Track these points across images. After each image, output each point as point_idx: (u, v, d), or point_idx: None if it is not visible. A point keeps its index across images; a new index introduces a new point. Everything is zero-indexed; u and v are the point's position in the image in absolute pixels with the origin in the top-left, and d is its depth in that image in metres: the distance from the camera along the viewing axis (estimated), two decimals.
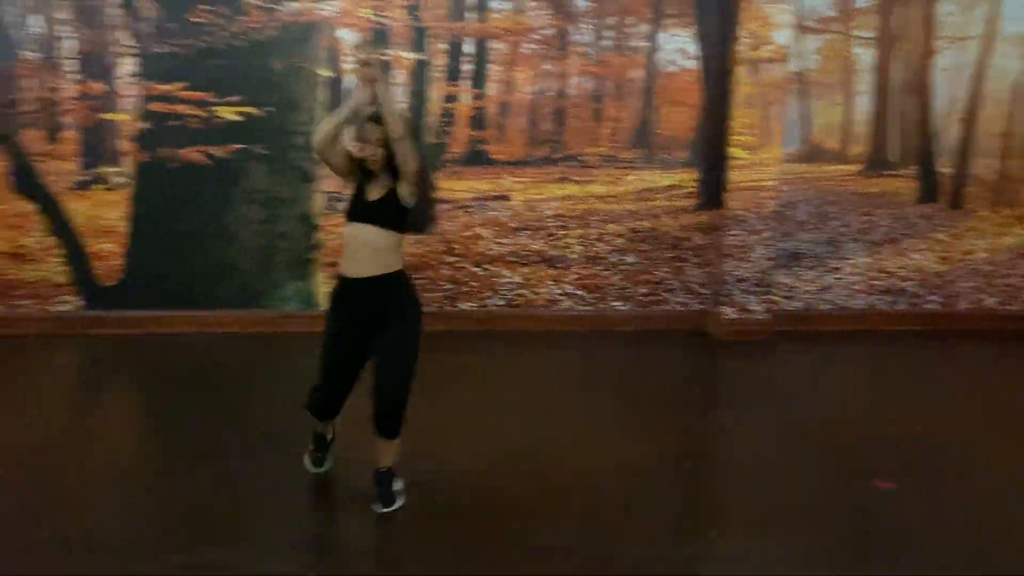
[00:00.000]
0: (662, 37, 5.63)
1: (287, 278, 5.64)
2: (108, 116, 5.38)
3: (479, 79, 5.63)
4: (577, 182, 5.81)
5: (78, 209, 5.42)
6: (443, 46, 5.54)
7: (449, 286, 5.73)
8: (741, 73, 5.50)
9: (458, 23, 5.54)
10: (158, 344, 5.41)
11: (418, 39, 5.51)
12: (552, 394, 4.75)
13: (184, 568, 2.76)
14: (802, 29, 5.76)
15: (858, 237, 6.01)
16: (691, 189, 5.84)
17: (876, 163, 6.02)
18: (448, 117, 5.65)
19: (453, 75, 5.61)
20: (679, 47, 5.64)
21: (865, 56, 5.85)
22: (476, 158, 5.72)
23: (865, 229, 6.01)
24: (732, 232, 5.65)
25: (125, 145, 5.40)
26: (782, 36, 5.44)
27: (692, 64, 5.66)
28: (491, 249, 5.74)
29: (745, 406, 4.71)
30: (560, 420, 4.31)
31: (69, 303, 5.49)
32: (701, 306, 5.93)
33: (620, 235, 5.84)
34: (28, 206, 5.39)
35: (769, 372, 5.25)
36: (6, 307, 5.44)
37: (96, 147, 5.43)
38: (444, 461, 3.71)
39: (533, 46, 5.60)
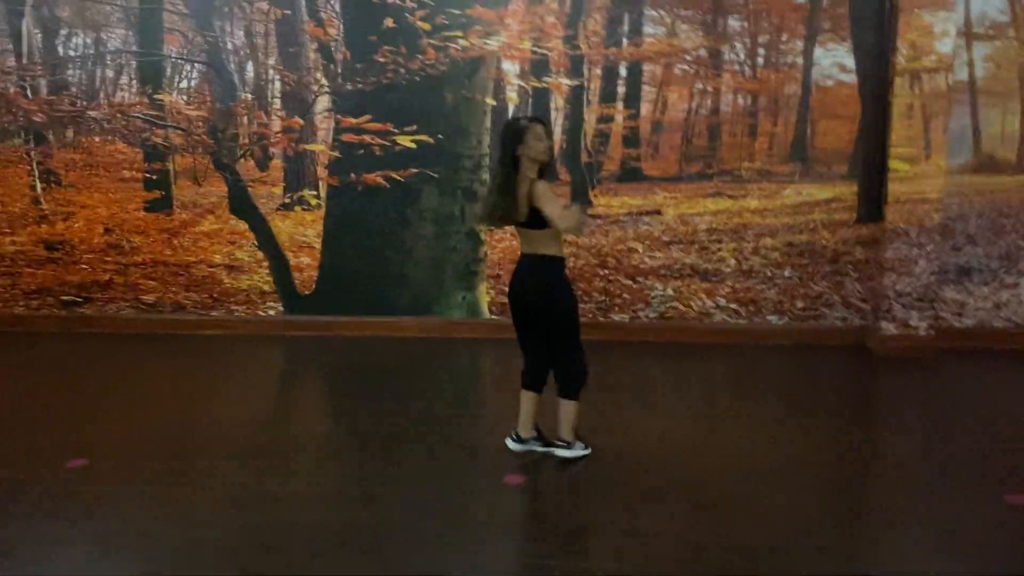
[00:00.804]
0: (818, 52, 5.65)
1: (455, 288, 6.18)
2: (307, 147, 6.19)
3: (633, 100, 5.91)
4: (731, 196, 5.92)
5: (282, 227, 6.25)
6: (598, 71, 5.88)
7: (602, 298, 6.02)
8: (900, 85, 5.40)
9: (613, 49, 5.85)
10: (346, 344, 6.11)
11: (575, 66, 5.89)
12: (704, 401, 4.90)
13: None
14: (970, 36, 5.55)
15: None
16: (850, 202, 5.78)
17: None
18: (603, 137, 5.98)
19: (608, 97, 5.92)
20: (835, 61, 5.63)
21: None
22: (630, 175, 5.99)
23: None
24: (893, 246, 5.52)
25: (320, 171, 6.19)
26: (944, 45, 5.29)
27: (849, 78, 5.63)
28: (644, 262, 5.97)
29: (898, 420, 4.64)
30: (711, 425, 4.43)
31: (273, 309, 6.36)
32: (862, 321, 5.83)
33: (776, 249, 5.88)
34: (242, 225, 6.31)
35: (926, 389, 5.09)
36: (224, 311, 6.40)
37: (297, 174, 6.25)
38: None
39: (685, 66, 5.81)
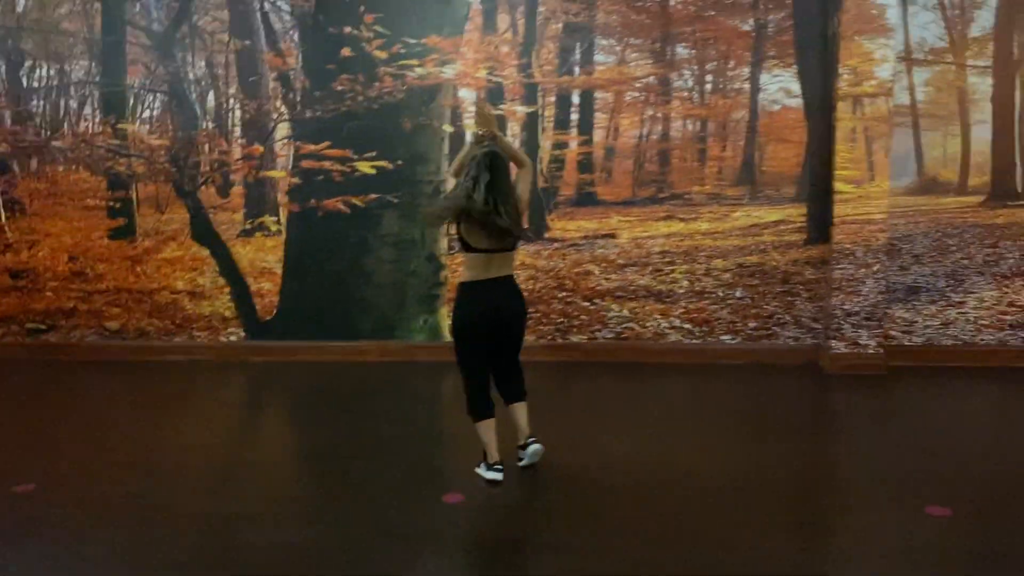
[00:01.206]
0: (764, 78, 5.80)
1: (417, 312, 6.26)
2: (267, 173, 6.28)
3: (586, 126, 6.04)
4: (683, 219, 6.04)
5: (243, 253, 6.33)
6: (552, 99, 6.01)
7: (561, 320, 6.12)
8: (843, 109, 5.55)
9: (565, 77, 5.99)
10: (308, 369, 6.16)
11: (529, 94, 6.02)
12: (660, 419, 4.96)
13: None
14: (910, 62, 5.71)
15: (983, 270, 5.79)
16: (799, 224, 5.90)
17: (1000, 194, 5.79)
18: (558, 163, 6.10)
19: (562, 124, 6.06)
20: (781, 86, 5.78)
21: (982, 84, 5.69)
22: (585, 199, 6.10)
23: (991, 262, 5.79)
24: (840, 266, 5.64)
25: (281, 198, 6.28)
26: (884, 70, 5.44)
27: (795, 102, 5.78)
28: (600, 284, 6.07)
29: (844, 437, 4.74)
30: (665, 444, 4.51)
31: (235, 335, 6.41)
32: (814, 340, 5.94)
33: (727, 270, 5.99)
34: (204, 251, 6.38)
35: (874, 406, 5.19)
36: (187, 336, 6.45)
37: (258, 200, 6.34)
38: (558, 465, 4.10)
39: (636, 94, 5.95)
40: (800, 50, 5.72)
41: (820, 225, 5.82)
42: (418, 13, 5.94)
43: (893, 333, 5.83)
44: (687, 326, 6.04)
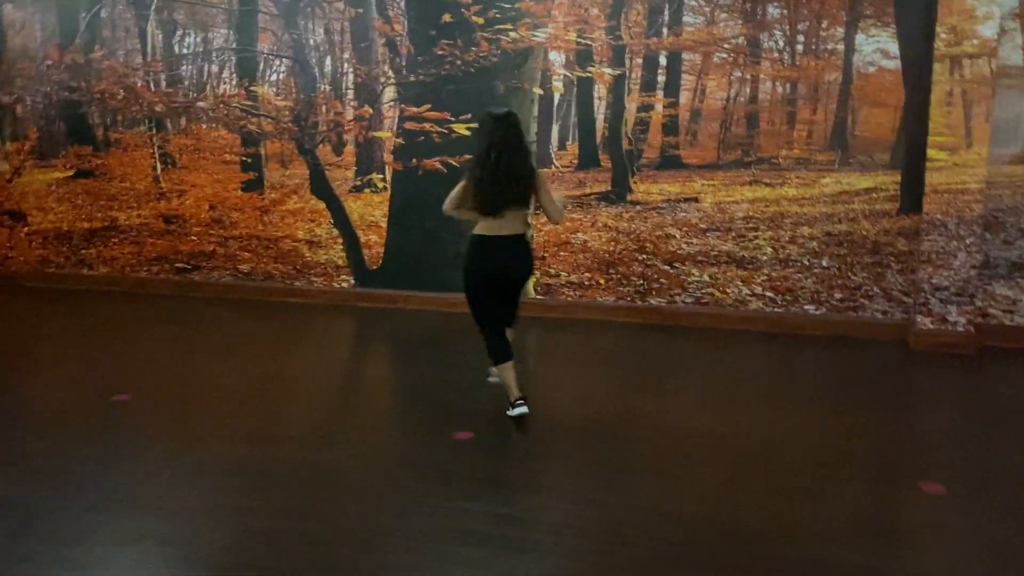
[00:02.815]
0: (859, 38, 5.51)
1: None
2: (375, 134, 6.76)
3: (672, 89, 6.02)
4: (768, 184, 5.91)
5: (354, 208, 6.88)
6: (639, 60, 6.03)
7: (640, 282, 6.20)
8: (940, 71, 5.19)
9: (653, 39, 5.98)
10: (407, 316, 6.65)
11: (617, 56, 6.07)
12: (735, 387, 4.95)
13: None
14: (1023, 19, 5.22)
15: None
16: (892, 192, 5.62)
17: None
18: (643, 125, 6.13)
19: (648, 86, 6.07)
20: (878, 47, 5.47)
21: None
22: (668, 162, 6.11)
23: None
24: (930, 238, 5.34)
25: (387, 157, 6.74)
26: (988, 28, 5.02)
27: (893, 64, 5.46)
28: (681, 248, 6.09)
29: (916, 417, 4.59)
30: (740, 408, 4.53)
31: (346, 282, 7.01)
32: (904, 315, 5.66)
33: (814, 238, 5.82)
34: (321, 204, 6.99)
35: (958, 387, 4.94)
36: (305, 281, 7.12)
37: (367, 159, 6.84)
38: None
39: (724, 55, 5.84)
40: (900, 7, 5.39)
41: (914, 194, 5.52)
42: None
43: (992, 311, 5.46)
44: (769, 294, 5.94)
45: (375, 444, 4.07)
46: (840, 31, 5.60)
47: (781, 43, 5.78)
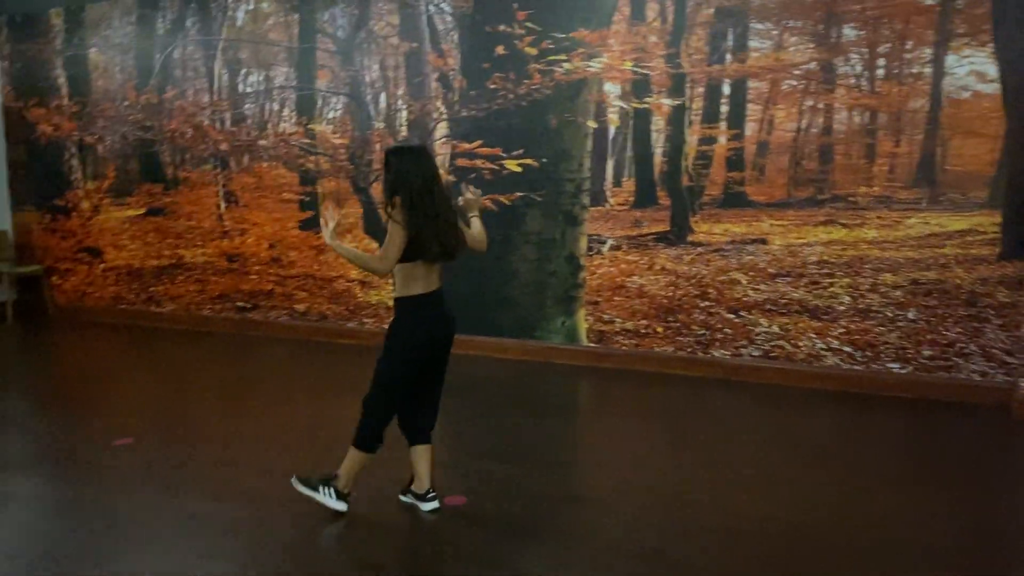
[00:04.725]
0: (950, 60, 4.81)
1: (555, 313, 6.12)
2: None
3: (736, 119, 5.46)
4: (845, 225, 5.23)
5: None
6: (701, 89, 5.51)
7: (702, 331, 5.62)
8: None
9: (716, 66, 5.46)
10: (455, 361, 6.29)
11: (676, 85, 5.58)
12: (804, 455, 4.33)
13: None
14: None
15: None
16: (991, 235, 4.85)
17: None
18: (705, 159, 5.59)
19: (710, 117, 5.53)
20: (973, 69, 4.76)
21: None
22: (733, 200, 5.53)
23: None
24: None
25: None
26: None
27: (991, 88, 4.73)
28: (747, 295, 5.48)
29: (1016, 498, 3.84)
30: (806, 482, 3.93)
31: None
32: (1007, 378, 4.85)
33: (898, 286, 5.09)
34: (373, 244, 6.77)
35: None
36: (357, 322, 6.90)
37: None
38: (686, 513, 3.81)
39: (794, 82, 5.24)
40: (999, 25, 4.67)
41: (1018, 237, 4.75)
42: (567, 6, 5.78)
43: None
44: (847, 349, 5.25)
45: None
46: (927, 52, 4.91)
47: (858, 67, 5.13)
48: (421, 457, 3.56)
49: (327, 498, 3.51)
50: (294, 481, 3.60)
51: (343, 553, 3.23)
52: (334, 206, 3.44)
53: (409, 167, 3.26)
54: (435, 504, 3.56)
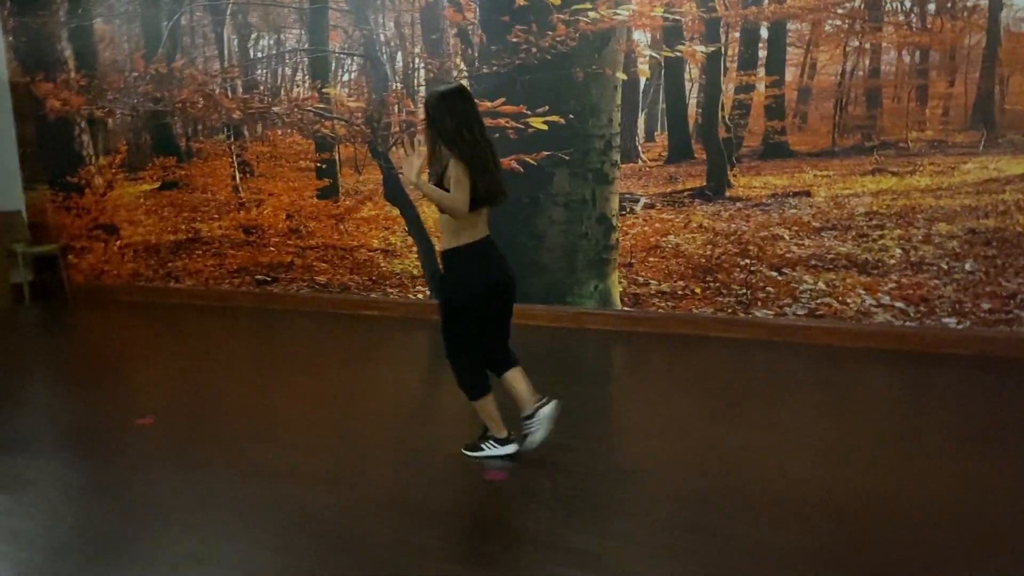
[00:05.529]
0: None
1: (588, 277, 5.87)
2: None
3: (776, 65, 5.14)
4: (895, 173, 4.92)
5: (428, 213, 6.38)
6: (736, 34, 5.19)
7: (743, 291, 5.35)
8: None
9: (752, 8, 5.13)
10: None
11: (711, 30, 5.26)
12: (856, 417, 4.07)
13: None
14: None
15: None
16: None
17: None
18: (743, 108, 5.28)
19: (748, 64, 5.22)
20: None
21: None
22: (773, 151, 5.23)
23: None
24: None
25: None
26: None
27: None
28: (791, 251, 5.20)
29: None
30: (857, 446, 3.69)
31: (422, 292, 6.52)
32: None
33: (954, 236, 4.80)
34: (395, 211, 6.53)
35: None
36: (381, 292, 6.69)
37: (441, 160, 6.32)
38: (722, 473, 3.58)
39: (838, 22, 4.91)
40: None
41: None
42: None
43: None
44: (899, 304, 4.97)
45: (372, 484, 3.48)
46: None
47: (908, 3, 4.80)
48: (514, 381, 3.50)
49: (495, 449, 3.55)
50: (464, 451, 3.61)
51: (382, 533, 3.02)
52: (412, 146, 3.29)
53: (442, 111, 3.18)
54: (552, 405, 3.46)
